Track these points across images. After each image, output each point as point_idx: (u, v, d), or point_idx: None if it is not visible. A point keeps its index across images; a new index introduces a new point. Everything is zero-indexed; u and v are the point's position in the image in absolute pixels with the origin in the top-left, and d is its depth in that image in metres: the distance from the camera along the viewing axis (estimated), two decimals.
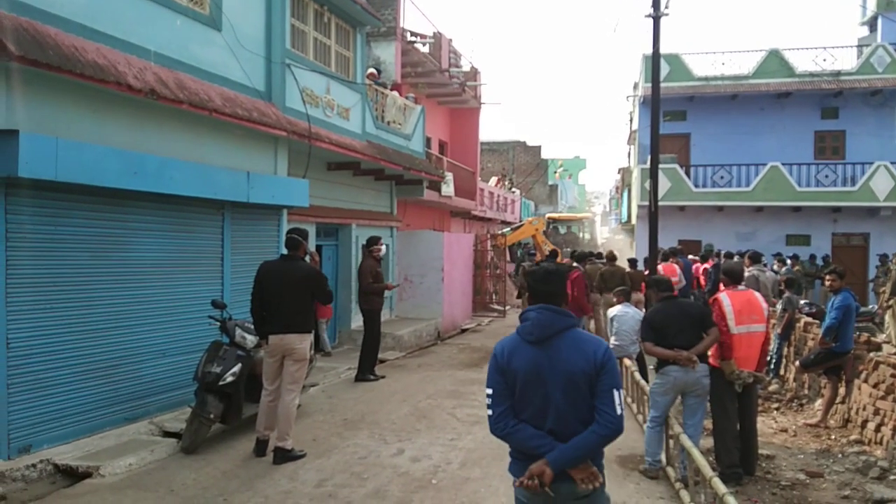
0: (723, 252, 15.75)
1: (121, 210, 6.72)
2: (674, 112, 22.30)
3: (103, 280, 6.58)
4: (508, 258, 21.27)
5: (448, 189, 17.41)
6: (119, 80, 6.16)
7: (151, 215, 7.11)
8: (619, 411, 2.80)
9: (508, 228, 26.03)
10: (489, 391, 2.94)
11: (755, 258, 11.70)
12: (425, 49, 17.82)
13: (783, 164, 20.42)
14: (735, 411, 5.90)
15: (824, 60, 21.22)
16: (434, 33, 18.25)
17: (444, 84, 19.34)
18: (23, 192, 5.66)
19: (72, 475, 5.61)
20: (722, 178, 21.17)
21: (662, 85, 13.25)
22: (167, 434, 6.70)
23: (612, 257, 13.17)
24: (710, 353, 5.83)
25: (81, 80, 5.81)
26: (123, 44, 6.66)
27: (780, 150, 21.36)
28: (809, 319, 9.73)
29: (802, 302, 11.52)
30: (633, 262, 13.71)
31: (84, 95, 6.20)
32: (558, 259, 14.53)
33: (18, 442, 5.69)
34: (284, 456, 5.98)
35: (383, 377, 9.75)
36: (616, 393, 2.82)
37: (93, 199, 6.37)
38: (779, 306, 10.03)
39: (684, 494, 5.15)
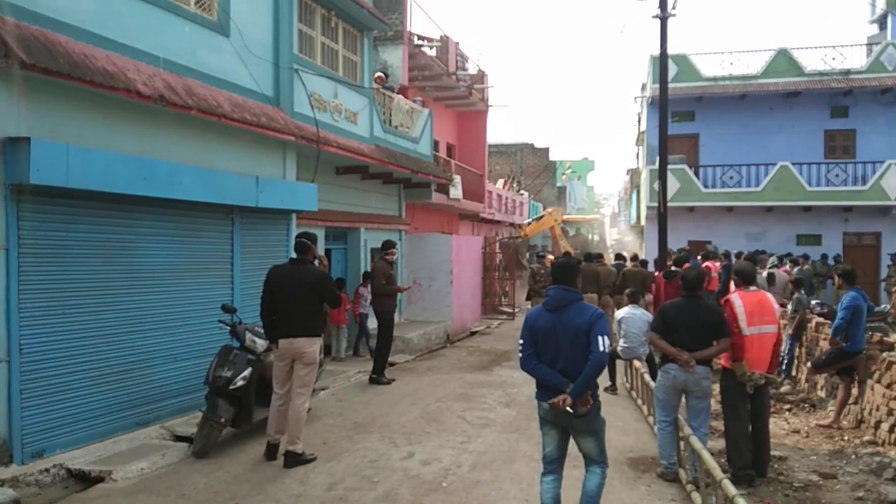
0: (733, 252, 15.69)
1: (131, 216, 6.77)
2: (682, 113, 22.23)
3: (114, 285, 6.62)
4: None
5: (456, 192, 17.40)
6: (128, 86, 6.21)
7: (161, 221, 7.15)
8: (601, 348, 4.09)
9: (530, 219, 26.18)
10: (521, 341, 4.37)
11: (752, 261, 11.56)
12: (432, 52, 17.86)
13: (793, 164, 20.31)
14: (747, 413, 5.86)
15: (833, 59, 21.09)
16: (441, 37, 18.29)
17: (451, 87, 19.37)
18: (34, 198, 5.70)
19: (84, 480, 5.65)
20: (731, 178, 21.06)
21: (670, 85, 13.24)
22: (178, 438, 6.72)
23: (634, 258, 13.12)
24: (721, 354, 5.81)
25: (91, 87, 5.85)
26: (133, 51, 6.71)
27: (790, 150, 21.25)
28: (821, 320, 9.64)
29: (814, 302, 11.43)
30: (643, 263, 13.67)
31: (94, 102, 6.25)
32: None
33: (32, 447, 5.73)
34: (295, 459, 5.99)
35: (393, 380, 9.77)
36: (601, 338, 4.11)
37: (103, 205, 6.41)
38: (790, 307, 9.97)
39: (696, 496, 5.13)
